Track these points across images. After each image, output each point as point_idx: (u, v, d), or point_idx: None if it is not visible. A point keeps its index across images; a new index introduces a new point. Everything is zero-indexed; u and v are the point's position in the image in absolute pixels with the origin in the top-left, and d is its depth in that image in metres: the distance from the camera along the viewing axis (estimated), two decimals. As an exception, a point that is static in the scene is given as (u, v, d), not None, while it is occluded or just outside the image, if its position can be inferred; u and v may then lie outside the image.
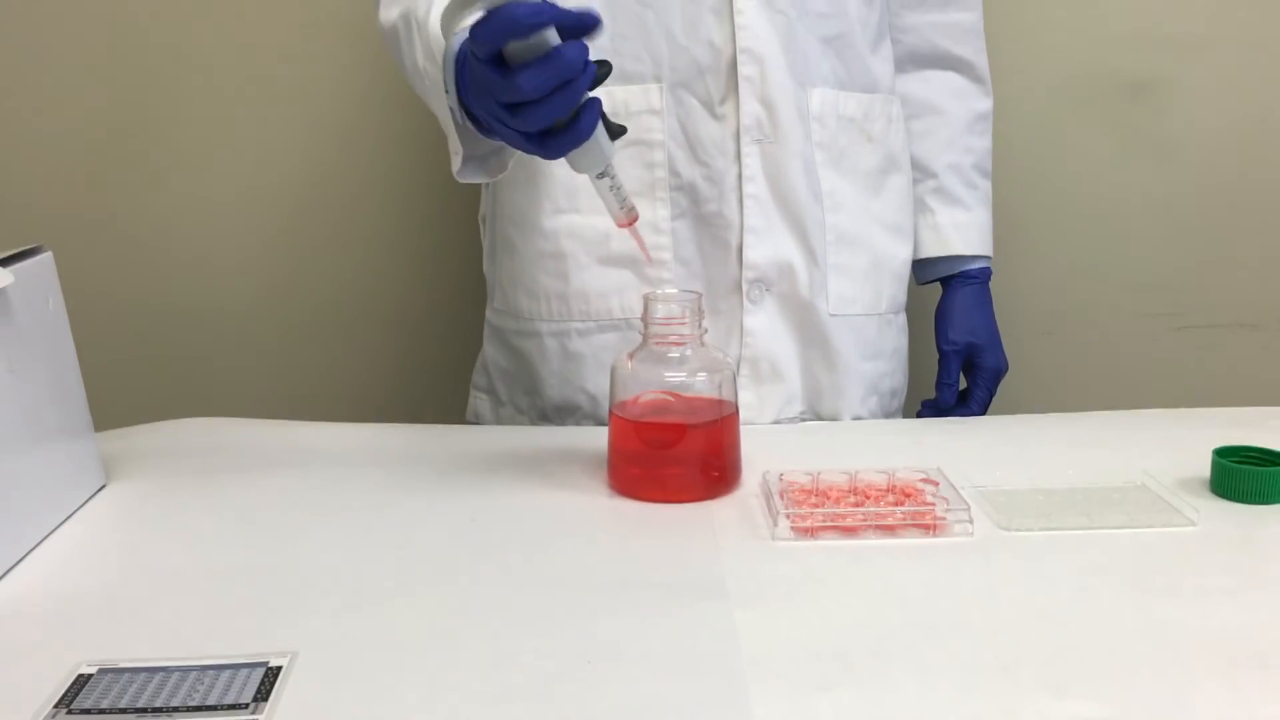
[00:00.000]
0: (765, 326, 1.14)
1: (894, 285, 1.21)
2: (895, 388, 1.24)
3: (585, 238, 1.13)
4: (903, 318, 1.25)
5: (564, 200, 1.13)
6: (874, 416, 1.20)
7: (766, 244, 1.12)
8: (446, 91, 0.93)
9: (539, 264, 1.15)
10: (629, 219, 0.92)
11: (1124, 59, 1.49)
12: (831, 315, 1.15)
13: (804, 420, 1.17)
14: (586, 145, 0.87)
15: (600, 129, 0.87)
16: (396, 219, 1.54)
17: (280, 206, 1.54)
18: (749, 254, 1.12)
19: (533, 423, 1.20)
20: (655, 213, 1.11)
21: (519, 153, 1.06)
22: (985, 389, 1.23)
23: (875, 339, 1.20)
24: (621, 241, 1.10)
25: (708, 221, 1.12)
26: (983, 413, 1.23)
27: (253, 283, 1.55)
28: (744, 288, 1.12)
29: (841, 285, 1.16)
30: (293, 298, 1.56)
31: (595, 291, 1.14)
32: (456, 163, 0.98)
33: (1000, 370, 1.25)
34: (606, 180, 0.90)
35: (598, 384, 1.15)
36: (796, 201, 1.12)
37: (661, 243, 1.12)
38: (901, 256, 1.22)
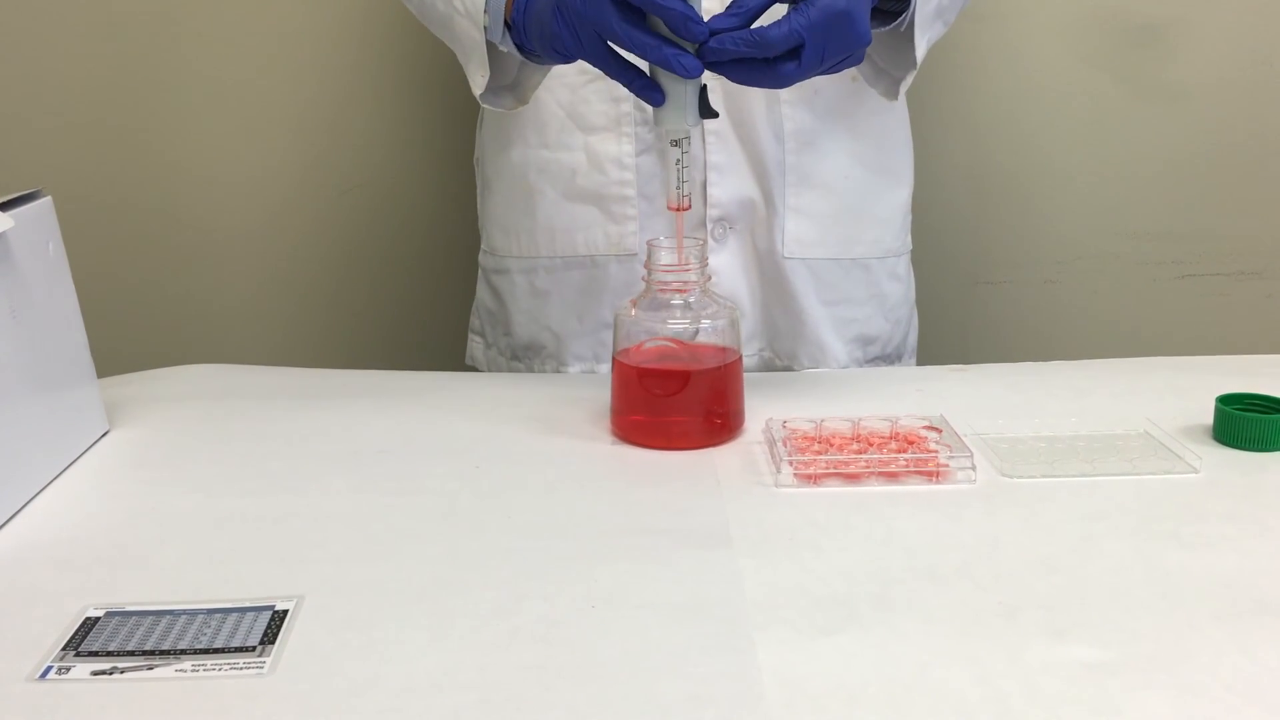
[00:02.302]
0: (726, 265, 1.13)
1: (878, 230, 1.18)
2: (873, 334, 1.20)
3: (551, 173, 1.13)
4: (893, 262, 1.21)
5: (533, 136, 1.13)
6: (844, 363, 1.18)
7: (730, 182, 1.11)
8: (486, 11, 0.94)
9: (510, 200, 1.16)
10: (679, 204, 0.92)
11: (1132, 1, 1.47)
12: (786, 258, 1.14)
13: (763, 358, 1.17)
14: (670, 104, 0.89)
15: (693, 97, 0.88)
16: (404, 161, 1.53)
17: (283, 149, 1.53)
18: (713, 191, 1.11)
19: (507, 362, 1.22)
20: (620, 148, 1.11)
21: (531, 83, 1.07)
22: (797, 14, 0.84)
23: (841, 283, 1.17)
24: (587, 177, 1.11)
25: None
26: (760, 41, 0.84)
27: (258, 227, 1.55)
28: (709, 226, 1.12)
29: (800, 228, 1.13)
30: (299, 243, 1.55)
31: (560, 227, 1.14)
32: (481, 84, 1.00)
33: (838, 9, 0.83)
34: (677, 152, 0.91)
35: (562, 323, 1.16)
36: (757, 140, 1.11)
37: (626, 178, 1.11)
38: (892, 200, 1.19)
